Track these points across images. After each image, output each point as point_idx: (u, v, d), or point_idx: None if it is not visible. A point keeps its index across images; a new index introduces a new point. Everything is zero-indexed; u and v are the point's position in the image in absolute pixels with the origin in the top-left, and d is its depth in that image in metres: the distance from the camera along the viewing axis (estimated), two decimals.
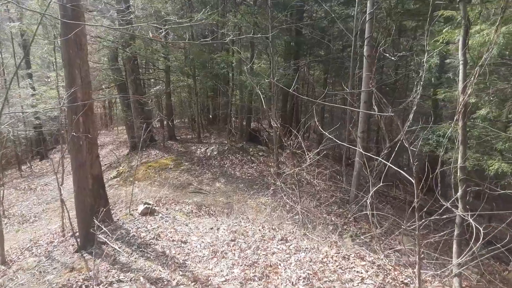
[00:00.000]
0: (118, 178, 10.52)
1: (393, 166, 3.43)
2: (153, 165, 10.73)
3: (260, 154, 11.60)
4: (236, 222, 6.59)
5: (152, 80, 17.91)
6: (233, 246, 5.48)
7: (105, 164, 13.14)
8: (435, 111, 11.50)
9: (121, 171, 11.00)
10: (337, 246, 5.88)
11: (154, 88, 15.76)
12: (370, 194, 4.34)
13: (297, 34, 13.15)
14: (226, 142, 12.39)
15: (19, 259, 6.29)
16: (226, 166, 10.87)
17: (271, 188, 9.48)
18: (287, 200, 7.04)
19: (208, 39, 13.48)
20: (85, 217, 5.21)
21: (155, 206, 7.03)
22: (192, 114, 15.51)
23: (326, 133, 5.32)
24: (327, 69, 15.76)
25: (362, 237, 7.59)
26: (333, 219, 8.51)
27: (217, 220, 6.77)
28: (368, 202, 4.27)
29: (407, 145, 3.30)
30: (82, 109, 5.52)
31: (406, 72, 14.07)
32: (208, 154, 11.51)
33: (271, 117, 9.26)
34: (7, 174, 15.43)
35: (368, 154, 4.56)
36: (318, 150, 6.36)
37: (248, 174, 10.44)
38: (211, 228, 6.22)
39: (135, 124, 12.22)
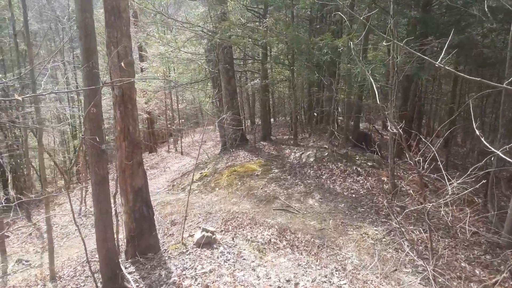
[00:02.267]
0: (200, 183, 9.32)
1: None
2: (237, 170, 9.19)
3: (370, 164, 8.91)
4: (325, 275, 4.37)
5: (256, 74, 16.62)
6: None
7: (195, 164, 12.30)
8: None
9: (205, 174, 9.79)
10: None
11: (252, 82, 14.39)
12: None
13: (424, 12, 9.81)
14: (326, 146, 10.06)
15: (68, 276, 5.38)
16: (324, 177, 8.58)
17: (382, 214, 6.87)
18: (411, 253, 4.43)
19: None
20: (109, 251, 3.77)
21: (219, 233, 5.33)
22: (290, 111, 13.59)
23: (499, 152, 2.63)
24: (463, 60, 11.79)
25: None
26: (476, 272, 5.52)
27: (298, 265, 4.66)
28: None
29: None
30: (120, 99, 4.09)
31: None
32: (304, 160, 9.40)
33: (388, 118, 6.58)
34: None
35: None
36: (477, 175, 3.60)
37: (352, 191, 7.96)
38: (287, 281, 4.16)
39: (225, 121, 10.92)
